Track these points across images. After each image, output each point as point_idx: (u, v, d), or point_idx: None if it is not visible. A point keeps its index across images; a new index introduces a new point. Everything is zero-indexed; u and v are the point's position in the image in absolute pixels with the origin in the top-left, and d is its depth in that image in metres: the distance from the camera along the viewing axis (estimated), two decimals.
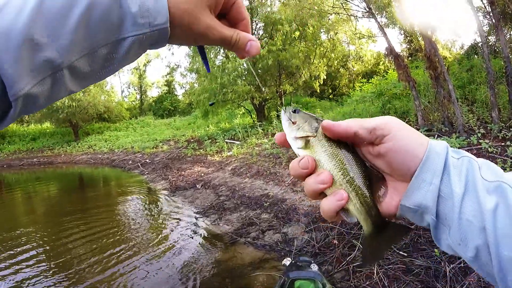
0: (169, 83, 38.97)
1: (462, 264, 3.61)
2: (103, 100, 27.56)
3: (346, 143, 0.65)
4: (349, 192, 0.62)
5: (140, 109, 37.23)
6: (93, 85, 25.75)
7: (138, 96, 40.48)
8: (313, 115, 0.67)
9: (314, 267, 3.85)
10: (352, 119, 0.63)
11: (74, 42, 0.49)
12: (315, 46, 16.28)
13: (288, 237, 5.25)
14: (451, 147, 0.60)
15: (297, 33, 15.68)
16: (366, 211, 0.62)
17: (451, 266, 3.62)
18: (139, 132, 25.55)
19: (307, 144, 0.65)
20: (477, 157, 0.60)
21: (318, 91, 17.53)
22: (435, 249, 3.93)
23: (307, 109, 14.92)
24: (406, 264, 3.88)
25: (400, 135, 0.60)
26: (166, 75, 39.20)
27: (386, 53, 8.02)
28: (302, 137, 0.65)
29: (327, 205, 0.62)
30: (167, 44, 0.61)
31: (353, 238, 4.67)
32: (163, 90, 39.37)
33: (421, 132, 6.82)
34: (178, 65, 21.84)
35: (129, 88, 41.93)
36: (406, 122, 6.45)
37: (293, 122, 0.67)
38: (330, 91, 21.01)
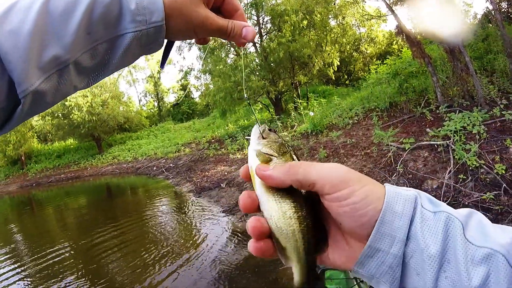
0: (184, 87, 39.26)
1: None
2: (122, 110, 27.92)
3: None
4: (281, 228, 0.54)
5: (159, 116, 37.65)
6: (111, 98, 26.20)
7: (156, 103, 40.99)
8: (286, 143, 0.62)
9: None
10: (304, 163, 0.53)
11: (78, 39, 0.51)
12: (325, 33, 16.04)
13: None
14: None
15: (305, 22, 15.50)
16: (298, 256, 0.55)
17: None
18: (160, 138, 25.80)
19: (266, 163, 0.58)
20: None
21: (333, 78, 17.32)
22: None
23: (324, 97, 14.71)
24: None
25: (344, 194, 0.48)
26: (180, 80, 39.56)
27: (397, 31, 7.85)
28: (266, 153, 0.59)
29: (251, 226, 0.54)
30: (162, 47, 0.64)
31: None
32: (180, 95, 39.70)
33: (442, 109, 6.71)
34: (192, 68, 21.83)
35: (145, 96, 42.54)
36: (425, 100, 6.38)
37: (263, 137, 0.63)
38: (346, 77, 20.75)
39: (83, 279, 5.59)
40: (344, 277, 3.59)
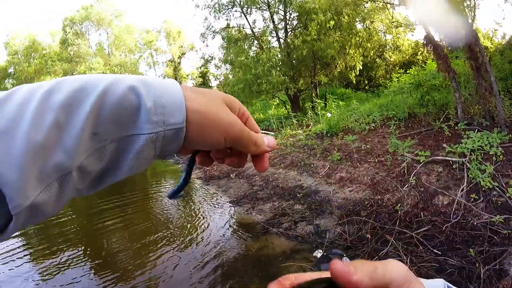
0: (203, 75, 39.19)
1: (497, 266, 3.50)
2: None
3: None
4: None
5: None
6: None
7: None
8: None
9: (346, 260, 3.84)
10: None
11: (83, 140, 0.43)
12: (350, 35, 15.91)
13: (320, 229, 5.25)
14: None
15: (332, 22, 15.37)
16: None
17: (486, 267, 3.52)
18: None
19: None
20: None
21: (354, 82, 17.23)
22: (470, 249, 3.82)
23: (342, 100, 14.65)
24: (440, 263, 3.80)
25: None
26: (200, 67, 39.48)
27: (425, 42, 7.77)
28: None
29: None
30: (177, 150, 0.54)
31: (386, 233, 4.61)
32: (198, 82, 39.65)
33: (461, 125, 6.65)
34: (212, 57, 21.79)
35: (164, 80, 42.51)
36: (445, 116, 6.31)
37: None
38: (366, 82, 20.55)
39: (83, 254, 5.69)
40: None
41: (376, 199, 5.45)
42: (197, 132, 0.50)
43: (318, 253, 4.52)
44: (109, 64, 28.04)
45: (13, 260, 5.47)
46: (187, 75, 41.43)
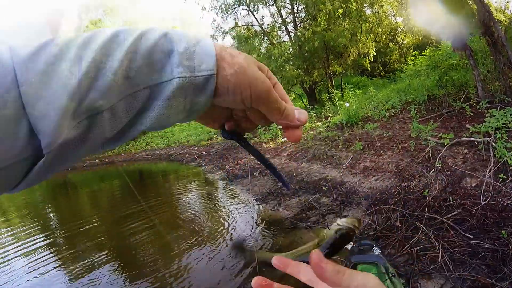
0: None
1: None
2: None
3: None
4: None
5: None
6: None
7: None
8: None
9: (376, 251, 3.82)
10: None
11: (117, 82, 0.43)
12: (360, 22, 15.66)
13: None
14: None
15: (341, 10, 15.17)
16: None
17: None
18: (193, 126, 26.11)
19: None
20: None
21: (369, 69, 17.04)
22: (502, 231, 3.78)
23: (359, 88, 14.52)
24: (472, 247, 3.76)
25: None
26: None
27: None
28: None
29: None
30: (207, 105, 0.52)
31: (416, 220, 4.58)
32: None
33: (482, 104, 6.54)
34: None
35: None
36: (466, 95, 6.22)
37: None
38: (381, 68, 20.27)
39: (111, 256, 5.88)
40: (375, 271, 3.62)
41: (403, 186, 5.42)
42: (226, 83, 0.49)
43: (348, 245, 4.53)
44: None
45: (43, 266, 5.70)
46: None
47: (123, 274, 5.22)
